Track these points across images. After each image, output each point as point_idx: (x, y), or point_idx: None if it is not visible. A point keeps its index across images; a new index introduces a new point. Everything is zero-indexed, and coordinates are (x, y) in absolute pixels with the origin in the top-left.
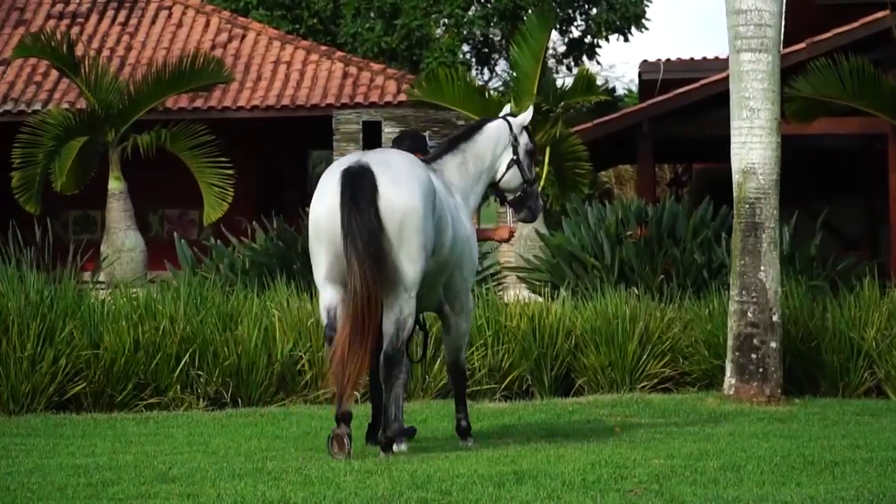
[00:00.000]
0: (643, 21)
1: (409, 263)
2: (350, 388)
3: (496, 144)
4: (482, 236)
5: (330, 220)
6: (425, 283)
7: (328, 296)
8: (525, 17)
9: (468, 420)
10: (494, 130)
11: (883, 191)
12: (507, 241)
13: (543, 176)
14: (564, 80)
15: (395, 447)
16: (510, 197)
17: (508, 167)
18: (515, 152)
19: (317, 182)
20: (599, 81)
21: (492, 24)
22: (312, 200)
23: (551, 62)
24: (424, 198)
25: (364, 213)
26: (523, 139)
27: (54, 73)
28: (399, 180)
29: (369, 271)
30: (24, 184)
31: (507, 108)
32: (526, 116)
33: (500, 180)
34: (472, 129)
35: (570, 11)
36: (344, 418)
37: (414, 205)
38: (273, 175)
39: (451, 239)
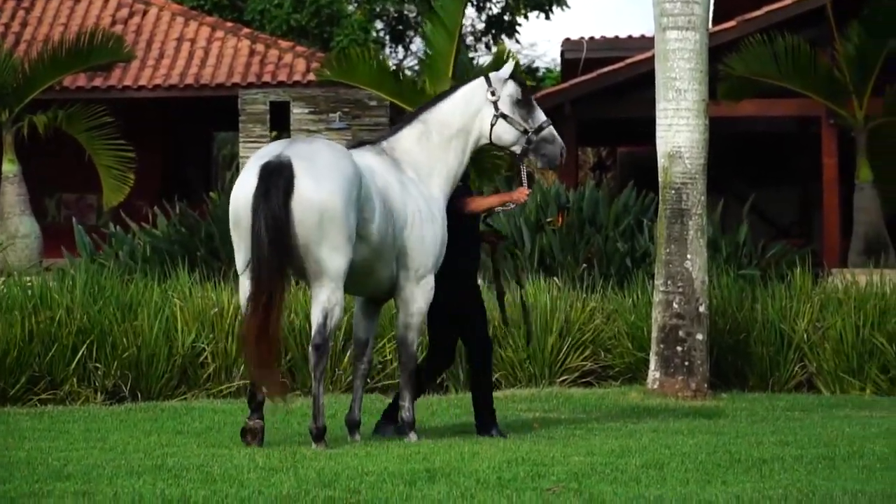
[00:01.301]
0: None
1: (332, 255)
2: (262, 378)
3: (466, 106)
4: (495, 203)
5: (247, 210)
6: (363, 269)
7: (245, 286)
8: None
9: (412, 412)
10: (463, 93)
11: (817, 176)
12: (521, 203)
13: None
14: (479, 59)
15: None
16: (517, 152)
17: (493, 124)
18: (496, 107)
19: (232, 166)
20: (520, 60)
21: (405, 0)
22: (233, 189)
23: (469, 40)
24: (346, 190)
25: (273, 211)
26: (506, 90)
27: None
28: (319, 174)
29: (271, 270)
30: None
31: (507, 67)
32: (506, 69)
33: (492, 140)
34: (438, 97)
35: None
36: (256, 409)
37: (333, 199)
38: (176, 158)
39: (385, 220)
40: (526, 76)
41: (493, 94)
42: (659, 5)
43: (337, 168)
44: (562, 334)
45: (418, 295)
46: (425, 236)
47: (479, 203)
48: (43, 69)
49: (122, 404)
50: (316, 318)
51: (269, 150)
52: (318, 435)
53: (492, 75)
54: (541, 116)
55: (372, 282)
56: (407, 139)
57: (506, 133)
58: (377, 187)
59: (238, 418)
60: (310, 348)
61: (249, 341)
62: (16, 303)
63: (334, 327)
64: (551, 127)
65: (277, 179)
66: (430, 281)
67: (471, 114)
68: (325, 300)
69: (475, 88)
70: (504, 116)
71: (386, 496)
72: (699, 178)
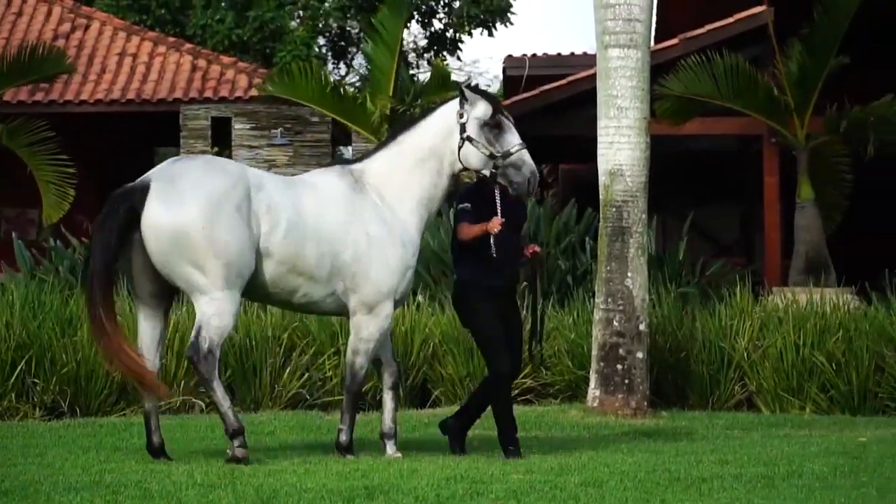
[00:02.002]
0: (508, 15)
1: (195, 272)
2: (140, 382)
3: (437, 127)
4: (476, 232)
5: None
6: (280, 285)
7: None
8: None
9: (349, 435)
10: (438, 113)
11: (759, 195)
12: (495, 233)
13: None
14: (421, 75)
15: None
16: (487, 175)
17: (460, 146)
18: (464, 129)
19: None
20: (461, 77)
21: (348, 16)
22: None
23: (412, 57)
24: (205, 208)
25: (104, 239)
26: (475, 112)
27: None
28: (171, 196)
29: (99, 291)
30: None
31: (480, 107)
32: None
33: (461, 162)
34: (419, 116)
35: (433, 4)
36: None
37: (184, 219)
38: (117, 173)
39: (297, 237)
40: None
41: (461, 115)
42: (601, 23)
43: (198, 187)
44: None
45: (369, 322)
46: (375, 262)
47: (466, 232)
48: None
49: (60, 420)
50: (193, 332)
51: (148, 173)
52: (233, 435)
53: (467, 94)
54: (511, 140)
55: (308, 301)
56: (380, 161)
57: (471, 156)
58: (279, 202)
59: (177, 434)
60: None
61: (110, 359)
62: None
63: (215, 340)
64: (522, 152)
65: (119, 206)
66: (385, 308)
67: (442, 135)
68: (200, 314)
69: (448, 109)
70: (469, 139)
71: None
72: (640, 195)
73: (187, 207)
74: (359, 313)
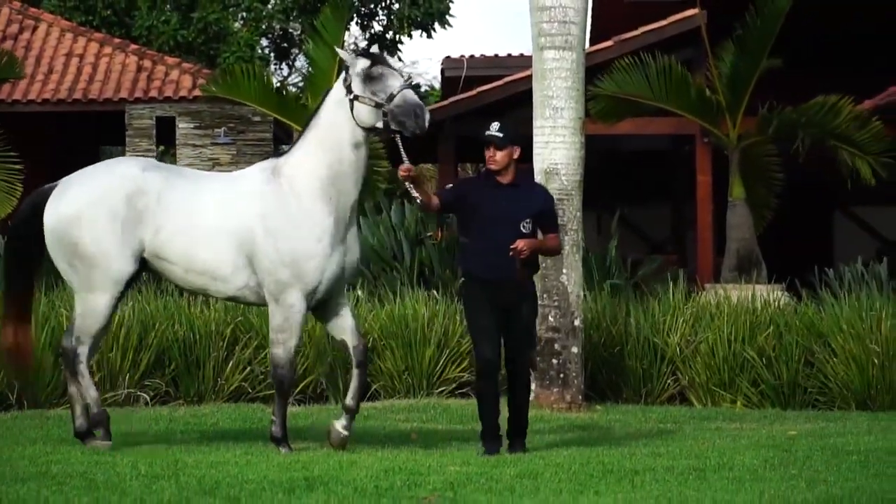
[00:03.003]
0: (447, 17)
1: (69, 270)
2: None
3: (332, 98)
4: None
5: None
6: (182, 281)
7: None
8: (321, 12)
9: (281, 427)
10: (334, 86)
11: (691, 193)
12: (408, 180)
13: None
14: None
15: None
16: (381, 127)
17: (352, 109)
18: (350, 90)
19: None
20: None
21: (291, 18)
22: None
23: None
24: (79, 210)
25: (11, 233)
26: (356, 69)
27: None
28: (59, 198)
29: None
30: None
31: (359, 63)
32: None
33: (360, 126)
34: (323, 95)
35: (373, 6)
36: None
37: (60, 219)
38: (64, 170)
39: (173, 237)
40: None
41: (345, 79)
42: (537, 25)
43: (80, 190)
44: (440, 346)
45: (276, 312)
46: (270, 253)
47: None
48: None
49: (8, 412)
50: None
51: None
52: (86, 432)
53: (344, 56)
54: (392, 84)
55: (224, 296)
56: (296, 151)
57: (363, 113)
58: (170, 205)
59: (122, 427)
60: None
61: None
62: None
63: (80, 338)
64: (405, 91)
65: (26, 207)
66: (289, 297)
67: (335, 106)
68: (74, 309)
69: (338, 81)
70: (357, 97)
71: None
72: (575, 194)
73: (63, 209)
74: (269, 304)
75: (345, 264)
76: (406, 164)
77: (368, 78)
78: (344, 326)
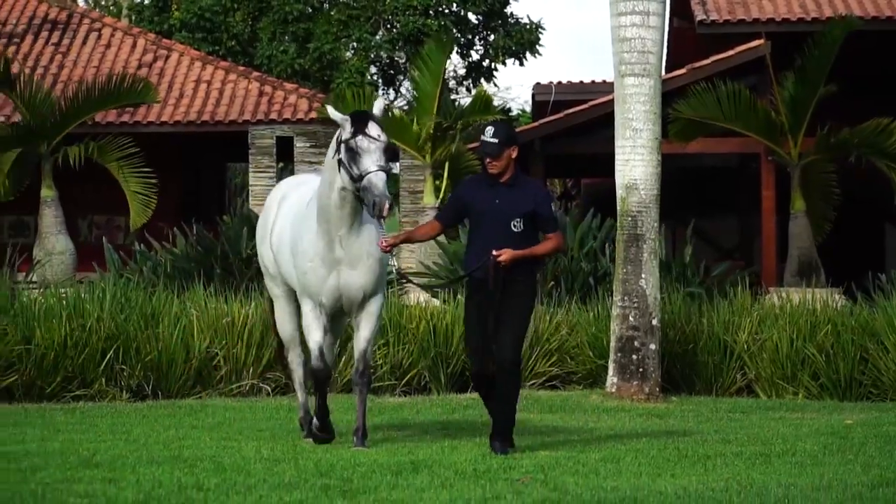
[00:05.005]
0: (537, 47)
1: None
2: None
3: (332, 145)
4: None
5: None
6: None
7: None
8: (425, 43)
9: (318, 418)
10: (334, 137)
11: (757, 206)
12: (385, 251)
13: (443, 189)
14: (459, 100)
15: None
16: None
17: (338, 166)
18: (338, 150)
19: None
20: (496, 102)
21: (397, 47)
22: None
23: (452, 83)
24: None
25: None
26: (342, 135)
27: None
28: None
29: None
30: None
31: (377, 104)
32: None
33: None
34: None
35: (471, 37)
36: None
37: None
38: (193, 185)
39: (271, 234)
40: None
41: (337, 137)
42: (618, 54)
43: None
44: (531, 343)
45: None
46: (283, 265)
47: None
48: (77, 107)
49: (144, 402)
50: None
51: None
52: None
53: (335, 116)
54: (366, 164)
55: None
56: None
57: (343, 175)
58: (282, 208)
59: (247, 415)
60: None
61: None
62: (53, 312)
63: None
64: (372, 175)
65: None
66: (303, 304)
67: (330, 153)
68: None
69: (336, 135)
70: (340, 161)
71: (375, 485)
72: (653, 206)
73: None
74: None
75: (346, 285)
76: (383, 243)
77: (349, 150)
78: (356, 346)
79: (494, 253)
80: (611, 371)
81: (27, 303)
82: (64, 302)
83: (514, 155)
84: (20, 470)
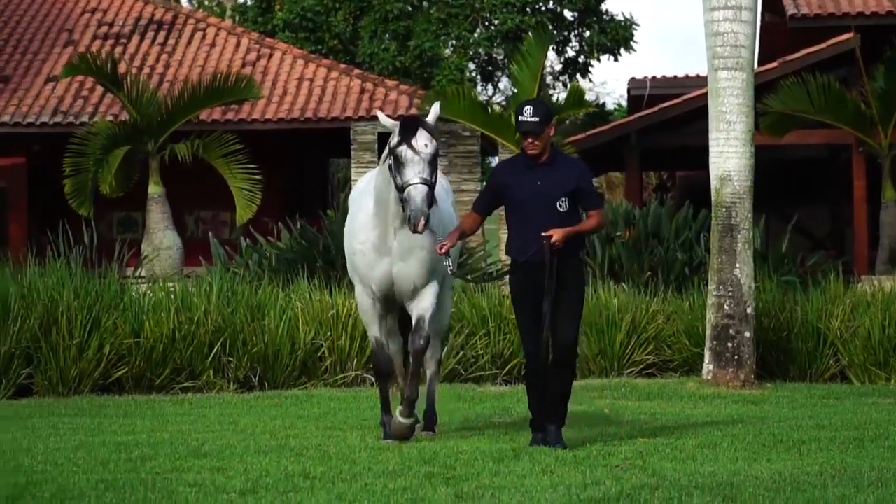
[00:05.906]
0: (631, 43)
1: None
2: None
3: (386, 148)
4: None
5: None
6: None
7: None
8: (524, 39)
9: (381, 409)
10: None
11: (848, 196)
12: (440, 254)
13: None
14: (558, 95)
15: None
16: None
17: (389, 169)
18: (389, 156)
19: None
20: (591, 97)
21: (495, 45)
22: None
23: (549, 79)
24: None
25: None
26: (392, 142)
27: (100, 89)
28: None
29: None
30: (76, 190)
31: (433, 109)
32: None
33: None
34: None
35: (566, 34)
36: None
37: None
38: (297, 180)
39: None
40: (596, 109)
41: (389, 142)
42: (711, 49)
43: None
44: (629, 332)
45: None
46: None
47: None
48: (183, 105)
49: (251, 393)
50: None
51: None
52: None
53: (384, 121)
54: (408, 175)
55: None
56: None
57: (390, 184)
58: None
59: (351, 405)
60: None
61: None
62: (161, 306)
63: None
64: (411, 188)
65: None
66: (355, 288)
67: (385, 153)
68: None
69: (390, 138)
70: (389, 166)
71: (477, 471)
72: (746, 197)
73: None
74: None
75: (397, 276)
76: (441, 249)
77: (395, 157)
78: (414, 313)
79: (544, 234)
80: (707, 359)
81: (136, 297)
82: (172, 296)
83: (552, 133)
84: (130, 460)
